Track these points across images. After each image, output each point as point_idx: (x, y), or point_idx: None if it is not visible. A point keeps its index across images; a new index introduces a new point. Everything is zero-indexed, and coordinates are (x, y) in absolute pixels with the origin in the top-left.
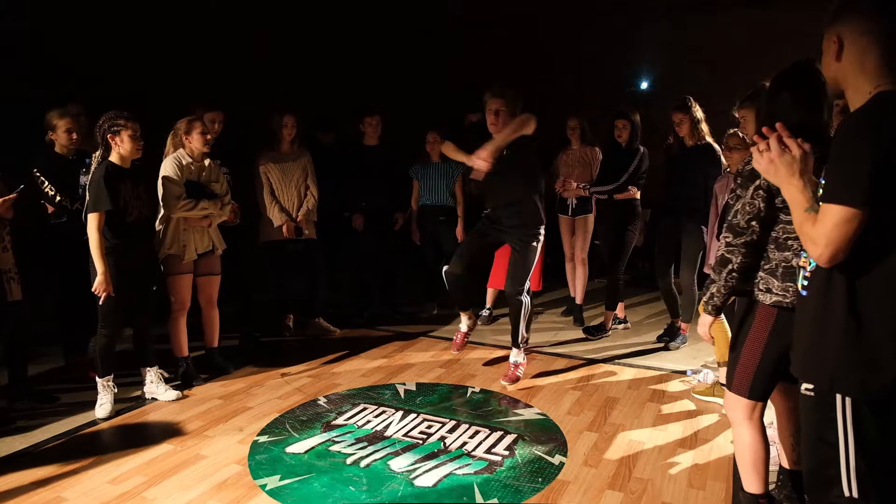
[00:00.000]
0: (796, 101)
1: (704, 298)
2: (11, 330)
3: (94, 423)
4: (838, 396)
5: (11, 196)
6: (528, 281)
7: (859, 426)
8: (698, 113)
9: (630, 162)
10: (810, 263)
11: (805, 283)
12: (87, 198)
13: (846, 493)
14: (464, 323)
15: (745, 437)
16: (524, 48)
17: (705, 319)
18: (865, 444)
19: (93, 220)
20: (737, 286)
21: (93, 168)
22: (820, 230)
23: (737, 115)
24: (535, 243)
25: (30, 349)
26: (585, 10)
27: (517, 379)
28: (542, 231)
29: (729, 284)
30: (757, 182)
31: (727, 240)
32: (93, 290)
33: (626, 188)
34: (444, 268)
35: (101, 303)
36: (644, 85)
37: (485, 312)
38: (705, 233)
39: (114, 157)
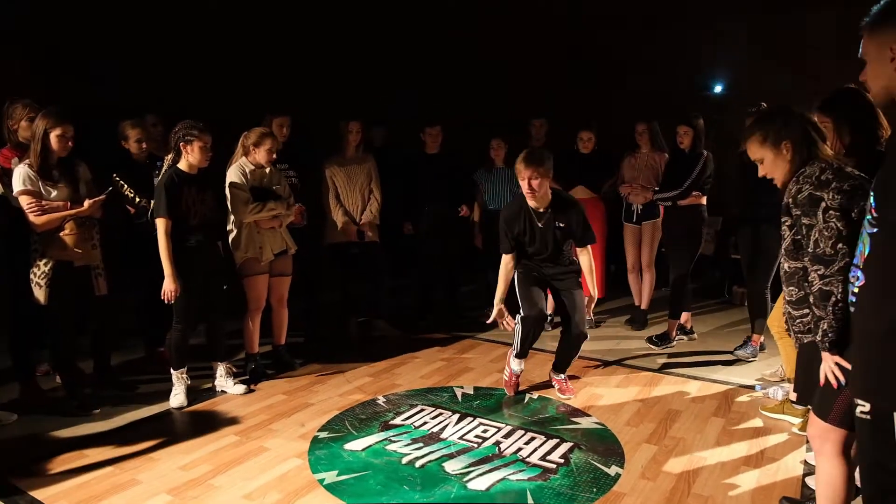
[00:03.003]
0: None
1: (817, 338)
2: (98, 322)
3: (168, 412)
4: None
5: (101, 197)
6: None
7: None
8: None
9: (693, 167)
10: (857, 279)
11: (853, 299)
12: (154, 202)
13: None
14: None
15: (837, 472)
16: (592, 52)
17: (826, 357)
18: None
19: (159, 226)
20: (846, 316)
21: (163, 171)
22: None
23: (815, 120)
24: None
25: (114, 341)
26: (656, 11)
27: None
28: None
29: (839, 316)
30: (824, 204)
31: (819, 272)
32: (161, 294)
33: (688, 194)
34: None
35: (172, 302)
36: (718, 89)
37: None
38: None
39: (182, 164)
